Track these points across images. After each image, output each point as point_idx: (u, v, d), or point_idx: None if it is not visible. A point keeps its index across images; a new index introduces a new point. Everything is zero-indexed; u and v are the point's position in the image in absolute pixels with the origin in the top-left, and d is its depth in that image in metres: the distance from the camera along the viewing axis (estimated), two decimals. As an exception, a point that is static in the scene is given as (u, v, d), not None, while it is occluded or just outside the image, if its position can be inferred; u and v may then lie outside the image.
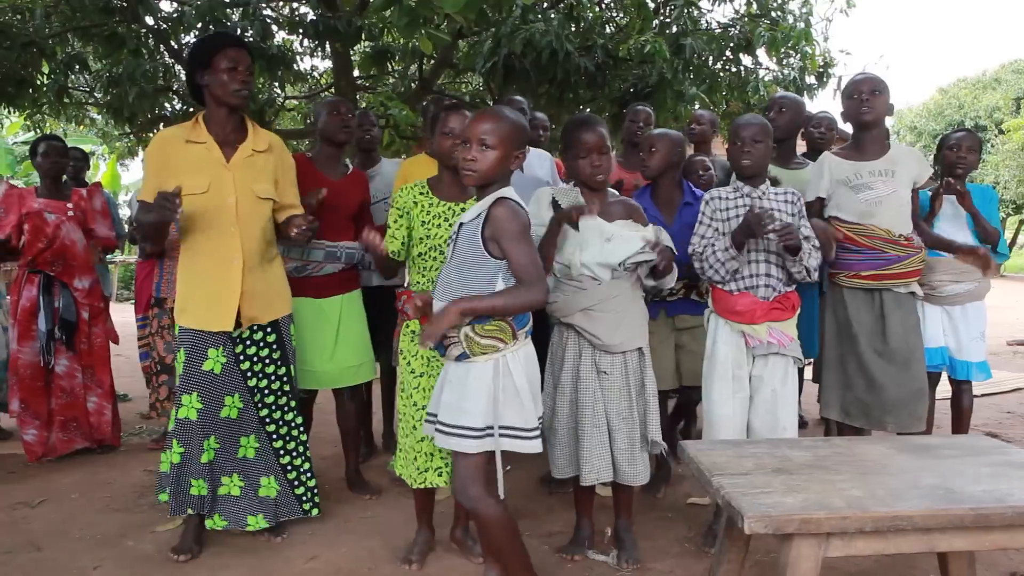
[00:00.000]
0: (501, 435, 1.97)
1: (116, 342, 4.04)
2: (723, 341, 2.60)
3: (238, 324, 2.58)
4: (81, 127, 8.35)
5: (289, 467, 2.73)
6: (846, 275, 2.84)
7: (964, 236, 3.30)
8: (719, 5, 5.69)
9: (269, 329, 2.67)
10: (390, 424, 3.88)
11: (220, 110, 2.56)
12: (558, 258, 2.54)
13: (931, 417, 3.34)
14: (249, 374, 2.64)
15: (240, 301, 2.55)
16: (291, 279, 2.97)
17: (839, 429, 3.00)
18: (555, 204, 2.50)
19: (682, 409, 3.41)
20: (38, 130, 7.47)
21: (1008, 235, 21.32)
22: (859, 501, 1.52)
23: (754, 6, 6.13)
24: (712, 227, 2.63)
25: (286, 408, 2.73)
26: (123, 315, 4.34)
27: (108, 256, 4.49)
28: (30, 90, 5.45)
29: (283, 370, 2.71)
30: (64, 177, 3.99)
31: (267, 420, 2.69)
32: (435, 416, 2.10)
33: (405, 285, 2.61)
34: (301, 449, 2.77)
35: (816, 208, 2.88)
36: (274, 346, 2.68)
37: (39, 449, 3.70)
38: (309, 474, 2.78)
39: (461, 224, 2.05)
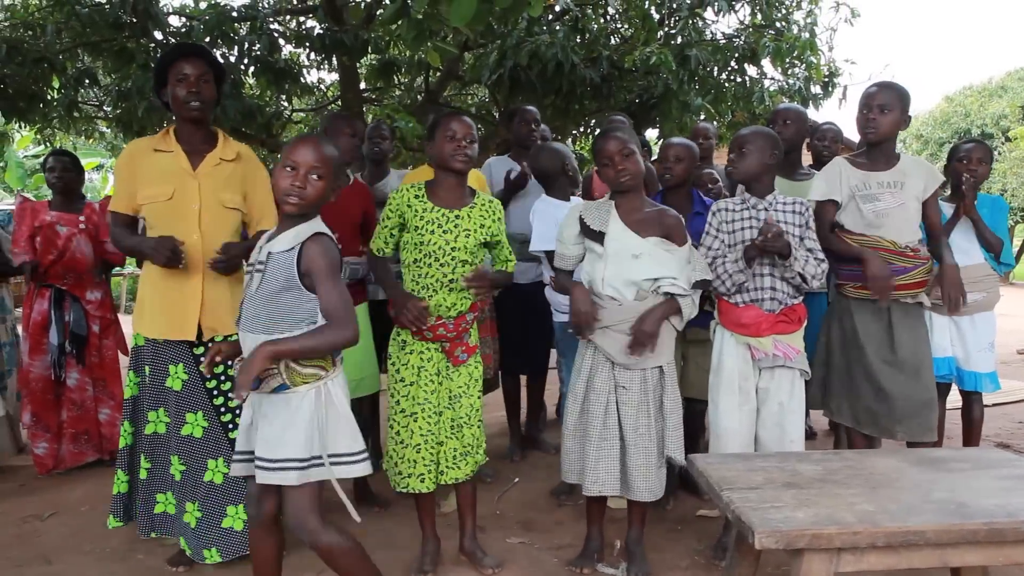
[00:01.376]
0: (332, 463, 1.90)
1: (127, 353, 4.05)
2: (729, 354, 2.59)
3: (200, 336, 2.54)
4: (90, 140, 8.41)
5: None
6: (852, 286, 2.83)
7: (974, 245, 3.29)
8: (724, 16, 5.70)
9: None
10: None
11: (184, 124, 2.56)
12: (583, 270, 2.54)
13: (942, 428, 3.33)
14: (215, 392, 2.58)
15: (202, 312, 2.52)
16: None
17: (849, 437, 2.99)
18: (581, 222, 2.50)
19: (689, 423, 3.40)
20: (48, 144, 7.53)
21: (1016, 243, 21.20)
22: (870, 516, 1.51)
23: (759, 17, 6.15)
24: (719, 238, 2.62)
25: None
26: (130, 327, 4.36)
27: (116, 268, 4.51)
28: (41, 105, 5.50)
29: None
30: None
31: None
32: (250, 453, 1.98)
33: None
34: None
35: (829, 213, 2.82)
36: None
37: (49, 462, 3.72)
38: None
39: (270, 253, 1.93)
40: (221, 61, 2.78)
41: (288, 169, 1.90)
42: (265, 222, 2.66)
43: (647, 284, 2.42)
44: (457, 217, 2.46)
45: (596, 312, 2.42)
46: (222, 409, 2.58)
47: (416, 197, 2.46)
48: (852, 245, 2.76)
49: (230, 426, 2.58)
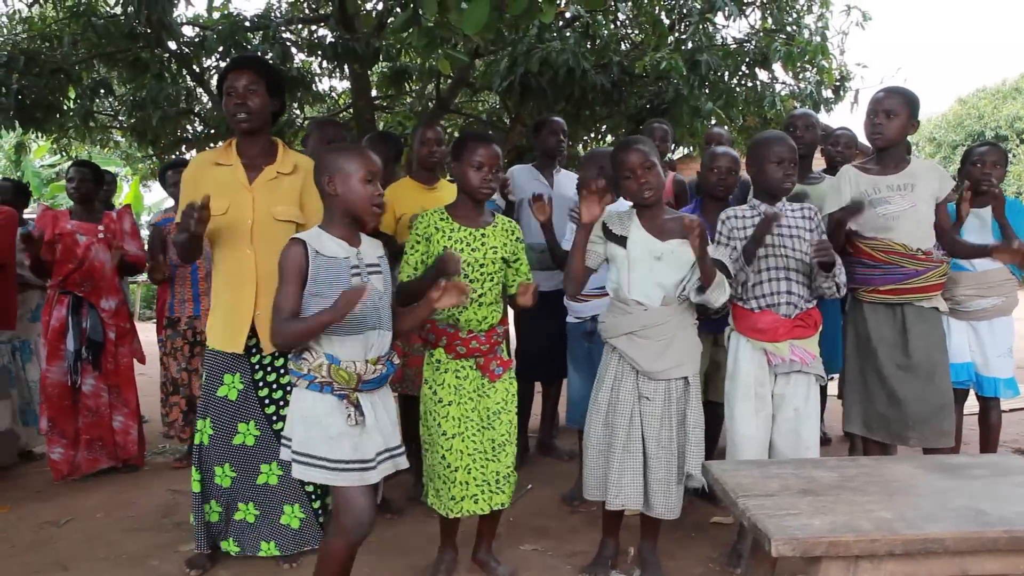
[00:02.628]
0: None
1: (143, 362, 4.10)
2: (745, 359, 2.58)
3: (259, 349, 2.58)
4: (106, 150, 8.50)
5: (314, 495, 2.67)
6: (865, 290, 2.81)
7: None
8: (734, 21, 5.69)
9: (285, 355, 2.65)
10: (408, 446, 3.88)
11: (241, 137, 2.59)
12: (610, 278, 2.53)
13: (959, 434, 3.29)
14: (267, 401, 2.61)
15: (258, 325, 2.53)
16: None
17: (864, 445, 2.97)
18: (604, 228, 2.50)
19: (709, 427, 3.38)
20: (64, 154, 7.62)
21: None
22: (888, 523, 1.50)
23: (769, 21, 6.14)
24: (730, 246, 2.61)
25: None
26: (146, 334, 4.39)
27: (131, 277, 4.55)
28: (57, 115, 5.57)
29: None
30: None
31: None
32: (393, 449, 2.14)
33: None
34: None
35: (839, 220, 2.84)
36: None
37: (65, 468, 3.75)
38: (329, 501, 2.71)
39: (380, 256, 2.17)
40: (282, 78, 2.74)
41: (369, 183, 2.07)
42: None
43: (672, 287, 2.41)
44: (483, 235, 2.48)
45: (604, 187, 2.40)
46: (274, 418, 2.61)
47: (442, 219, 2.48)
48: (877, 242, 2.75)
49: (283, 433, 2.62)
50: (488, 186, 2.44)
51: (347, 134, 3.24)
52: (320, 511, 2.70)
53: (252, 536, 2.62)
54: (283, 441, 2.12)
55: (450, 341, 2.45)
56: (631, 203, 2.54)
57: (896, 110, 2.72)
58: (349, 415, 2.00)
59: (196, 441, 2.61)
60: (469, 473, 2.41)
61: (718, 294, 2.38)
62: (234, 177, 2.55)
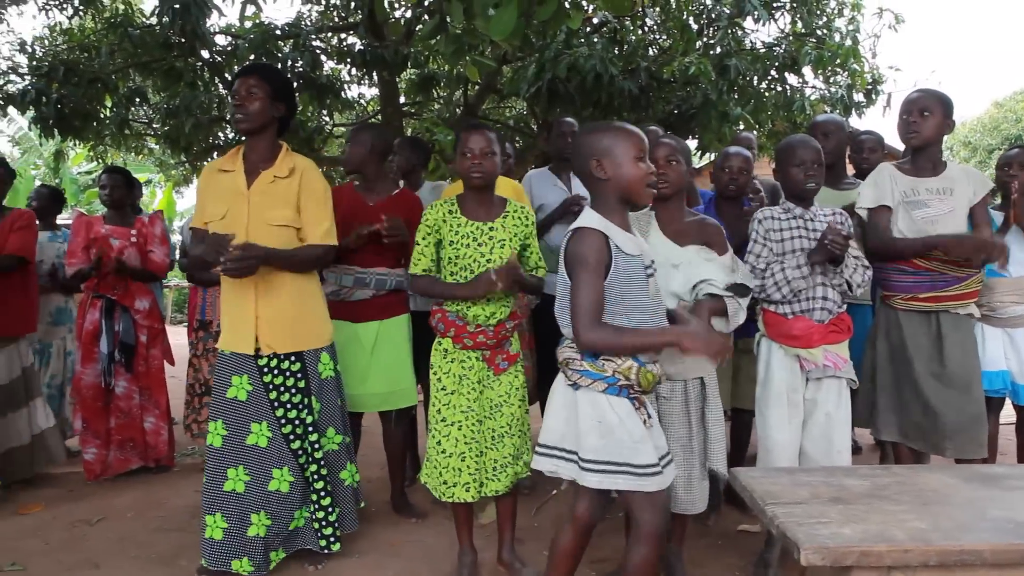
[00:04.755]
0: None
1: (172, 363, 4.17)
2: (778, 366, 2.54)
3: (263, 352, 2.59)
4: (140, 157, 8.69)
5: (322, 506, 2.69)
6: (902, 297, 2.75)
7: None
8: (764, 25, 5.63)
9: (294, 359, 2.63)
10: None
11: (246, 141, 2.63)
12: None
13: (995, 444, 3.21)
14: (276, 404, 2.62)
15: (257, 327, 2.56)
16: (331, 302, 2.99)
17: (896, 454, 2.90)
18: None
19: (736, 433, 3.34)
20: (100, 161, 7.80)
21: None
22: (922, 533, 1.46)
23: (799, 25, 6.08)
24: (767, 247, 2.58)
25: (310, 443, 2.65)
26: (177, 338, 4.47)
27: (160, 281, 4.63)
28: (94, 123, 5.71)
29: (304, 401, 2.65)
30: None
31: (299, 452, 2.64)
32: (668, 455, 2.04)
33: (439, 303, 2.62)
34: (320, 485, 2.67)
35: (884, 219, 2.74)
36: (298, 375, 2.64)
37: (98, 468, 3.82)
38: (330, 509, 2.69)
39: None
40: (289, 84, 2.76)
41: (641, 161, 1.95)
42: (312, 236, 2.62)
43: (688, 294, 2.39)
44: (491, 229, 2.48)
45: None
46: (282, 421, 2.62)
47: (450, 212, 2.49)
48: (917, 239, 2.67)
49: (291, 436, 2.63)
50: (477, 170, 2.43)
51: (387, 135, 3.24)
52: (325, 523, 2.68)
53: (264, 550, 2.59)
54: (545, 451, 2.00)
55: (458, 333, 2.47)
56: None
57: (931, 108, 2.68)
58: (646, 418, 1.92)
59: (208, 442, 2.62)
60: (463, 461, 2.45)
61: (736, 319, 2.39)
62: (234, 183, 2.58)
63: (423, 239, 2.52)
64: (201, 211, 2.66)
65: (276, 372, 2.62)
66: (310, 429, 2.66)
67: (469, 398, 2.48)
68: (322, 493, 2.68)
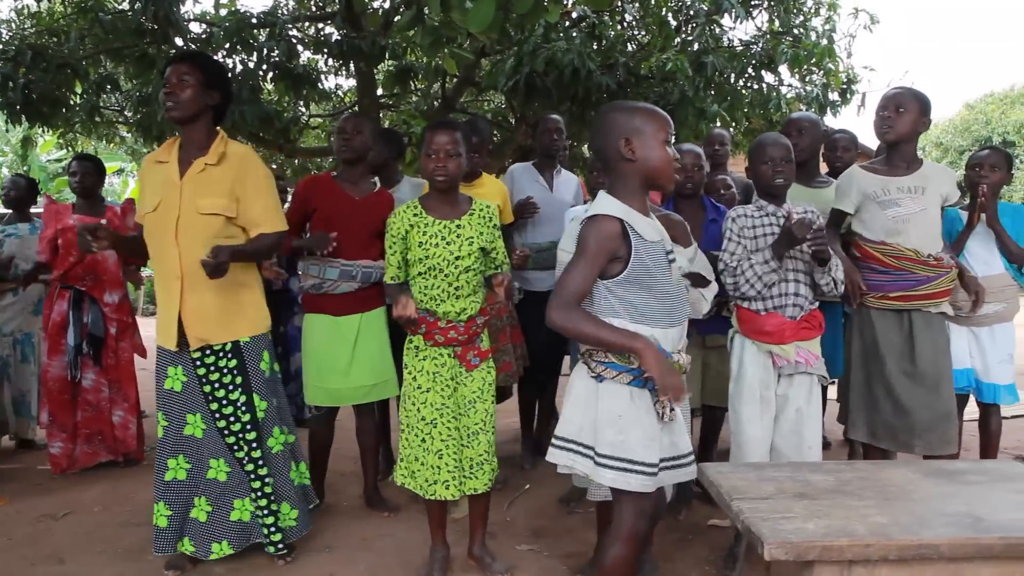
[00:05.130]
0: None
1: (144, 356, 4.11)
2: (750, 362, 2.57)
3: (187, 345, 2.56)
4: (112, 145, 8.53)
5: (260, 494, 2.62)
6: (874, 296, 2.79)
7: (994, 255, 3.25)
8: (741, 22, 5.66)
9: (231, 355, 2.58)
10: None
11: (181, 130, 2.58)
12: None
13: (959, 440, 3.28)
14: (210, 398, 2.59)
15: (183, 319, 2.52)
16: (311, 296, 3.02)
17: (865, 451, 2.95)
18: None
19: (706, 430, 3.38)
20: (70, 149, 7.64)
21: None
22: (883, 528, 1.49)
23: (776, 23, 6.12)
24: (741, 244, 2.60)
25: (244, 440, 2.59)
26: (148, 329, 4.39)
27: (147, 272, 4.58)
28: (63, 110, 5.58)
29: (243, 398, 2.58)
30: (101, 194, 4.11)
31: (235, 447, 2.60)
32: (681, 457, 1.95)
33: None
34: (258, 485, 2.61)
35: (837, 221, 2.85)
36: (235, 371, 2.59)
37: (64, 462, 3.76)
38: (266, 511, 2.63)
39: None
40: (224, 72, 2.71)
41: (668, 146, 1.88)
42: (265, 225, 2.59)
43: None
44: (458, 227, 2.48)
45: None
46: (216, 415, 2.59)
47: (415, 215, 2.48)
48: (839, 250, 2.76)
49: (225, 431, 2.60)
50: (441, 171, 2.42)
51: (363, 122, 3.21)
52: (267, 511, 2.63)
53: (204, 536, 2.58)
54: (562, 443, 1.92)
55: (429, 329, 2.47)
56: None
57: (907, 105, 2.71)
58: (663, 412, 1.85)
59: (159, 435, 2.62)
60: (441, 459, 2.46)
61: (698, 308, 2.41)
62: (167, 174, 2.55)
63: (390, 248, 2.51)
64: (142, 203, 2.63)
65: (212, 368, 2.58)
66: (248, 427, 2.60)
67: (443, 395, 2.48)
68: (259, 494, 2.62)
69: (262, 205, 2.59)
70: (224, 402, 2.59)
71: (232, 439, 2.60)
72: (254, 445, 2.61)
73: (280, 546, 2.66)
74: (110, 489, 3.59)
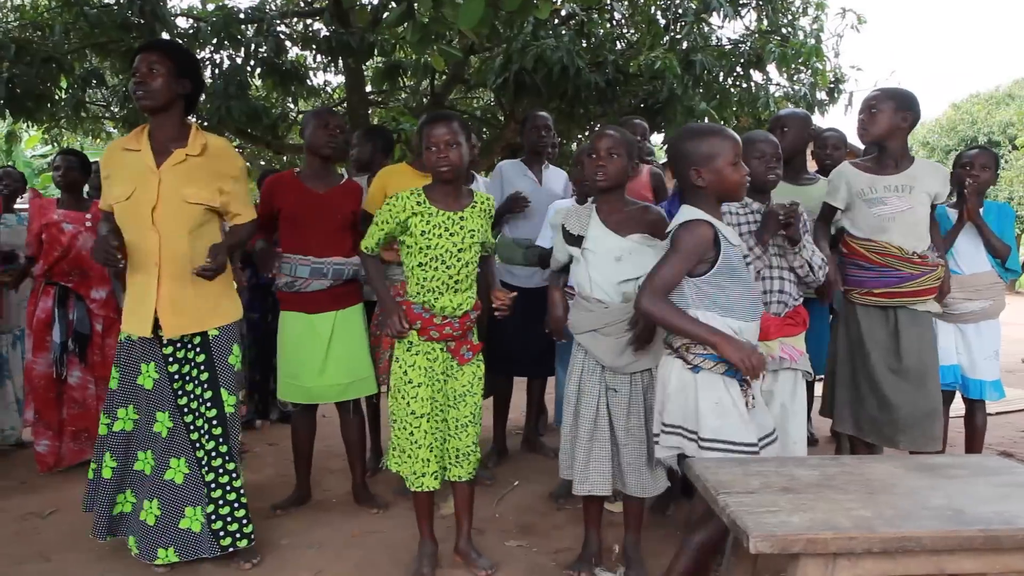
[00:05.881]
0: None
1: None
2: None
3: (171, 340, 2.55)
4: (97, 140, 8.46)
5: (217, 500, 2.58)
6: (859, 292, 2.81)
7: (980, 252, 3.28)
8: (729, 21, 5.70)
9: (199, 349, 2.57)
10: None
11: (151, 119, 2.55)
12: (573, 275, 2.55)
13: (945, 436, 3.31)
14: (180, 393, 2.57)
15: (159, 309, 2.50)
16: (286, 294, 3.00)
17: (851, 446, 2.98)
18: (564, 230, 2.50)
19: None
20: (56, 144, 7.58)
21: (1023, 251, 21.10)
22: (867, 521, 1.50)
23: (765, 23, 6.16)
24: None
25: (209, 435, 2.57)
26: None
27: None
28: (48, 104, 5.54)
29: (209, 394, 2.56)
30: (86, 188, 4.07)
31: (197, 445, 2.58)
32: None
33: (402, 295, 2.61)
34: (225, 480, 2.58)
35: (827, 215, 2.86)
36: (202, 367, 2.57)
37: (50, 460, 3.73)
38: (236, 505, 2.58)
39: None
40: (194, 60, 2.71)
41: (735, 166, 2.06)
42: (242, 215, 2.66)
43: (631, 286, 2.41)
44: (462, 219, 2.47)
45: (566, 319, 2.51)
46: (185, 410, 2.58)
47: (418, 203, 2.44)
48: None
49: (191, 427, 2.58)
50: (444, 162, 2.41)
51: (345, 122, 3.20)
52: (214, 516, 2.57)
53: (150, 541, 2.54)
54: (671, 429, 2.09)
55: (424, 325, 2.47)
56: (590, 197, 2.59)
57: (879, 105, 2.72)
58: (750, 399, 2.02)
59: (117, 428, 2.58)
60: (431, 451, 2.48)
61: None
62: (141, 161, 2.51)
63: (383, 223, 2.46)
64: (107, 192, 2.59)
65: (182, 361, 2.57)
66: (214, 423, 2.57)
67: (433, 389, 2.48)
68: (224, 487, 2.58)
69: (242, 197, 2.66)
70: (192, 396, 2.57)
71: (195, 435, 2.58)
72: (221, 440, 2.58)
73: (237, 535, 2.59)
74: (96, 487, 3.57)
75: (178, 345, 2.57)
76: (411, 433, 2.47)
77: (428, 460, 2.47)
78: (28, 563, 2.73)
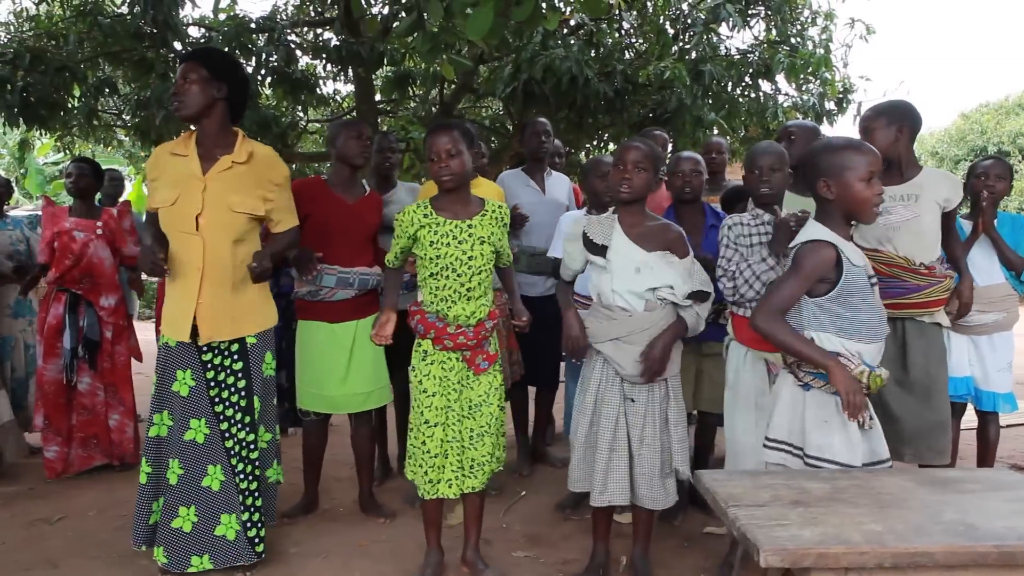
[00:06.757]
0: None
1: (140, 360, 4.10)
2: (746, 370, 2.57)
3: (209, 347, 2.56)
4: (109, 149, 8.52)
5: (251, 507, 2.58)
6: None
7: (994, 264, 3.26)
8: (738, 31, 5.70)
9: (236, 356, 2.59)
10: (405, 446, 3.87)
11: (196, 124, 2.58)
12: (592, 283, 2.55)
13: (956, 448, 3.29)
14: (217, 400, 2.57)
15: (198, 315, 2.51)
16: (306, 303, 3.01)
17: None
18: (585, 237, 2.50)
19: (700, 437, 3.38)
20: (68, 152, 7.63)
21: (1035, 262, 20.94)
22: (878, 536, 1.49)
23: (773, 33, 6.15)
24: (737, 251, 2.61)
25: (245, 442, 2.59)
26: (145, 333, 4.39)
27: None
28: (61, 113, 5.58)
29: (245, 401, 2.58)
30: (98, 196, 4.11)
31: (232, 452, 2.57)
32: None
33: (417, 304, 2.61)
34: (254, 486, 2.60)
35: None
36: (239, 374, 2.59)
37: (59, 466, 3.74)
38: (254, 511, 2.60)
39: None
40: (231, 63, 2.72)
41: (867, 182, 2.00)
42: (284, 223, 2.71)
43: (654, 295, 2.42)
44: (470, 227, 2.47)
45: (585, 338, 2.49)
46: (220, 418, 2.58)
47: (425, 216, 2.47)
48: None
49: (226, 434, 2.58)
50: (445, 172, 2.42)
51: (368, 130, 3.22)
52: (249, 524, 2.58)
53: (183, 549, 2.52)
54: (775, 444, 2.11)
55: (438, 334, 2.47)
56: (611, 206, 2.59)
57: (871, 124, 2.75)
58: (864, 421, 1.97)
59: (152, 434, 2.58)
60: (447, 458, 2.49)
61: (697, 326, 2.49)
62: (187, 167, 2.53)
63: (398, 237, 2.53)
64: (152, 195, 2.62)
65: (219, 368, 2.58)
66: (247, 429, 2.59)
67: (449, 399, 2.48)
68: (256, 494, 2.60)
69: (286, 205, 2.70)
70: (227, 403, 2.58)
71: (231, 443, 2.58)
72: (252, 447, 2.60)
73: (256, 540, 2.60)
74: (105, 493, 3.58)
75: (216, 352, 2.57)
76: (423, 442, 2.48)
77: (442, 467, 2.47)
78: (35, 569, 2.73)
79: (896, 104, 2.77)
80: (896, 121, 2.73)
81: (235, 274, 2.56)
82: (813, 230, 2.05)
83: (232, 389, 2.58)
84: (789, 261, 2.48)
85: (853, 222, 2.09)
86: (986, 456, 3.41)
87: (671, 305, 2.44)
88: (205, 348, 2.57)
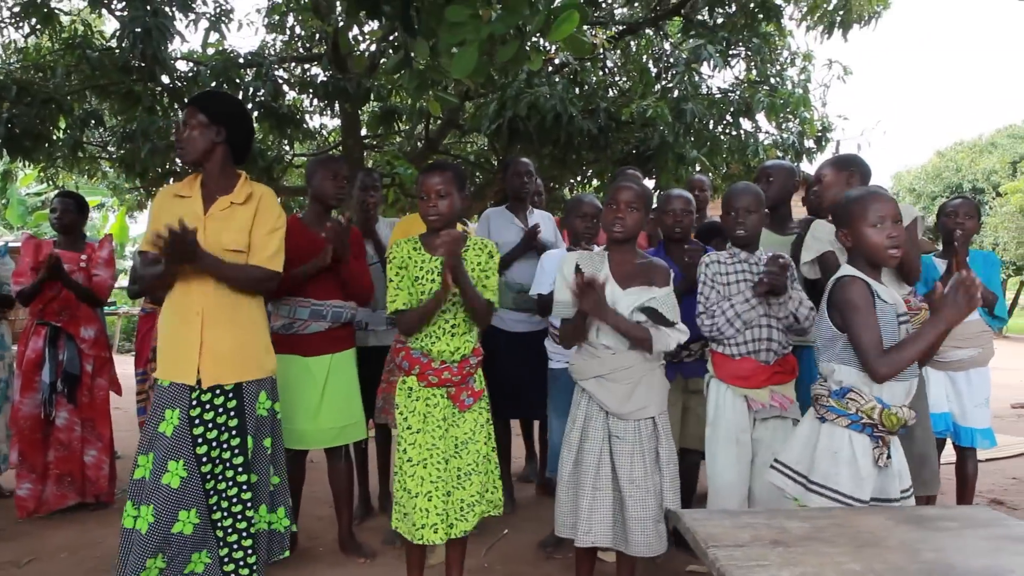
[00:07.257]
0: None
1: (119, 393, 4.04)
2: (726, 406, 2.59)
3: (205, 384, 2.48)
4: (93, 180, 8.50)
5: (223, 543, 2.47)
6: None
7: None
8: (719, 71, 5.84)
9: (231, 395, 2.51)
10: (387, 484, 3.83)
11: (201, 167, 2.59)
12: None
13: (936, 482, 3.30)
14: (200, 440, 2.46)
15: (200, 357, 2.47)
16: (279, 336, 2.93)
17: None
18: (578, 271, 2.52)
19: (684, 474, 3.37)
20: (52, 183, 7.61)
21: (1009, 296, 21.34)
22: (857, 576, 1.49)
23: (754, 73, 6.31)
24: (715, 289, 2.65)
25: (232, 482, 2.48)
26: (124, 367, 4.33)
27: (108, 308, 4.52)
28: (46, 144, 5.58)
29: (236, 440, 2.50)
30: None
31: (211, 492, 2.46)
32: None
33: (402, 340, 2.60)
34: (243, 526, 2.49)
35: (834, 257, 2.79)
36: (232, 413, 2.51)
37: (31, 504, 3.66)
38: (250, 551, 2.49)
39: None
40: (230, 106, 2.70)
41: (876, 227, 2.06)
42: (257, 257, 2.55)
43: (637, 314, 2.43)
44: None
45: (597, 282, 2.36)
46: (203, 459, 2.46)
47: (414, 250, 2.50)
48: None
49: (208, 476, 2.46)
50: (432, 213, 2.44)
51: (345, 169, 3.22)
52: (227, 559, 2.48)
53: None
54: (781, 467, 2.19)
55: (423, 370, 2.46)
56: (603, 245, 2.60)
57: (822, 177, 2.83)
58: (879, 457, 2.03)
59: (137, 476, 2.46)
60: (430, 500, 2.39)
61: (666, 342, 2.43)
62: (191, 209, 2.53)
63: (396, 275, 2.49)
64: (153, 234, 2.53)
65: (208, 407, 2.48)
66: (240, 471, 2.50)
67: (434, 436, 2.44)
68: (244, 534, 2.50)
69: (262, 242, 2.57)
70: (213, 444, 2.47)
71: (211, 484, 2.47)
72: (244, 487, 2.49)
73: None
74: (78, 534, 3.49)
75: (208, 389, 2.49)
76: (405, 482, 2.43)
77: (427, 510, 2.38)
78: (4, 612, 2.66)
79: (842, 157, 2.85)
80: (843, 169, 2.79)
81: (235, 314, 2.52)
82: (843, 270, 2.12)
83: (223, 428, 2.50)
84: (778, 302, 2.54)
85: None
86: (965, 492, 3.43)
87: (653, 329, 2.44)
88: (204, 388, 2.49)
